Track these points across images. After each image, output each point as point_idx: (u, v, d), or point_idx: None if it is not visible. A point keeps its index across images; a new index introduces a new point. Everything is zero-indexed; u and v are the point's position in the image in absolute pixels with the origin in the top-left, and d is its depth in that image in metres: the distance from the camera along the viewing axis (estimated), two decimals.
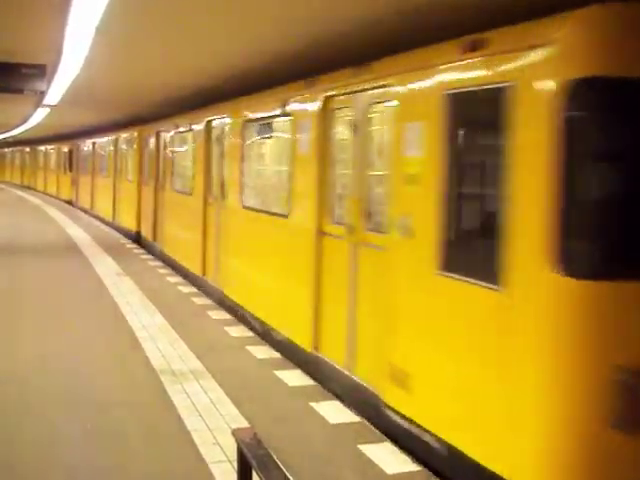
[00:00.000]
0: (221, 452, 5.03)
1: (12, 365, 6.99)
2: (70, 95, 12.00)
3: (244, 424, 5.60)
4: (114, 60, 8.56)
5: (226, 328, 8.74)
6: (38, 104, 14.50)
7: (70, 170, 30.23)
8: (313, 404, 6.13)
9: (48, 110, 16.05)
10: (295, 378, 6.85)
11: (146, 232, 16.92)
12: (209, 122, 11.44)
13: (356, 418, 5.88)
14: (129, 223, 18.54)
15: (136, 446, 5.19)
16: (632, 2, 3.83)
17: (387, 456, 5.16)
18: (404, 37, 5.68)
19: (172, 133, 14.37)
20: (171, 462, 4.94)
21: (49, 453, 4.99)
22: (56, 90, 11.32)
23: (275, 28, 6.15)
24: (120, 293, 10.67)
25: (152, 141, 16.47)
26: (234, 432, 2.90)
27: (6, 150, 52.82)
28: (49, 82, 10.06)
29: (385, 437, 5.49)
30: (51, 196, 34.85)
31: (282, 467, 2.45)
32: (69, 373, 6.77)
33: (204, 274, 11.41)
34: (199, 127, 11.98)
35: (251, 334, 8.53)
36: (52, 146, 35.52)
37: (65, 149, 31.60)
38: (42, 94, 11.07)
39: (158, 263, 14.21)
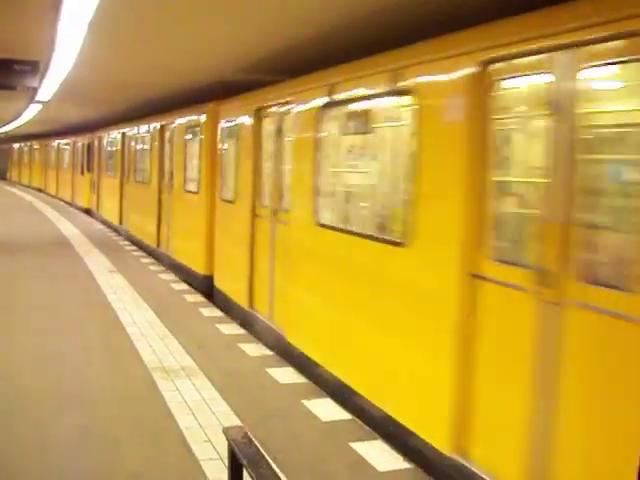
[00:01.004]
0: (213, 449, 5.03)
1: (3, 361, 6.97)
2: (63, 91, 11.96)
3: (236, 421, 5.61)
4: (107, 56, 8.54)
5: (218, 325, 8.73)
6: (31, 100, 14.45)
7: (89, 170, 23.83)
8: (305, 401, 6.14)
9: (40, 106, 15.98)
10: (287, 375, 6.86)
11: (227, 283, 10.07)
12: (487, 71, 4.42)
13: (348, 415, 5.89)
14: (190, 258, 11.78)
15: (127, 443, 5.18)
16: None
17: (378, 453, 5.17)
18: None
19: (306, 107, 7.10)
20: (162, 460, 4.94)
21: (40, 450, 4.97)
22: (49, 86, 11.28)
23: (270, 25, 6.15)
24: (112, 290, 10.65)
25: (243, 126, 9.30)
26: (225, 431, 2.91)
27: (14, 146, 46.11)
28: (41, 78, 10.02)
29: (377, 435, 5.51)
30: (64, 202, 28.98)
31: (273, 465, 2.45)
32: (60, 369, 6.76)
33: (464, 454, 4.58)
34: (437, 79, 4.96)
35: (243, 331, 8.52)
36: (66, 140, 29.05)
37: (81, 144, 25.46)
38: (34, 90, 11.06)
39: (151, 260, 14.16)
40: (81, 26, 6.37)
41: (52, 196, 32.28)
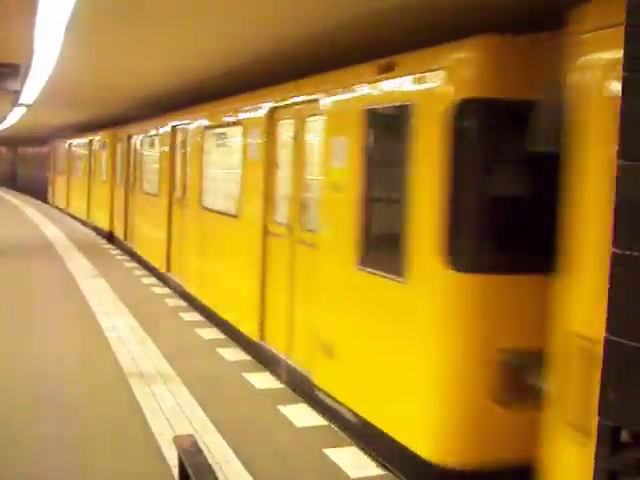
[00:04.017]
0: None
1: None
2: (46, 94, 11.90)
3: (210, 427, 5.59)
4: (87, 59, 8.50)
5: (197, 330, 8.71)
6: (14, 103, 14.36)
7: None
8: (280, 407, 6.12)
9: (24, 109, 15.88)
10: (263, 381, 6.85)
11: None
12: None
13: (323, 422, 5.88)
14: None
15: (101, 449, 5.15)
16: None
17: (352, 460, 5.16)
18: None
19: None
20: (135, 466, 4.92)
21: (13, 455, 4.95)
22: (31, 89, 11.22)
23: (246, 28, 6.15)
24: (94, 293, 10.61)
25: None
26: (175, 439, 2.91)
27: (61, 147, 27.18)
28: (23, 81, 9.98)
29: (351, 442, 5.51)
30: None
31: (217, 476, 2.43)
32: (36, 374, 6.72)
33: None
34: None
35: (222, 336, 8.50)
36: (191, 119, 10.98)
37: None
38: (16, 93, 11.01)
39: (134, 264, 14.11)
40: (59, 30, 6.34)
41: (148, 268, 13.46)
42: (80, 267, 13.18)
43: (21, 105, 14.73)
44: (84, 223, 21.56)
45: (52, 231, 19.67)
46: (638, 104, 2.10)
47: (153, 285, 11.77)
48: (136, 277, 12.58)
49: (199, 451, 2.43)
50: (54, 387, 6.42)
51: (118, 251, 16.23)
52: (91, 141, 21.14)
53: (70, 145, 25.33)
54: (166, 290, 11.32)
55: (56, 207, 27.98)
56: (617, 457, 2.06)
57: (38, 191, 34.10)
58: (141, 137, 14.98)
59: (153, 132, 13.78)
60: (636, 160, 2.06)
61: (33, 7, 5.63)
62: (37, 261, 14.10)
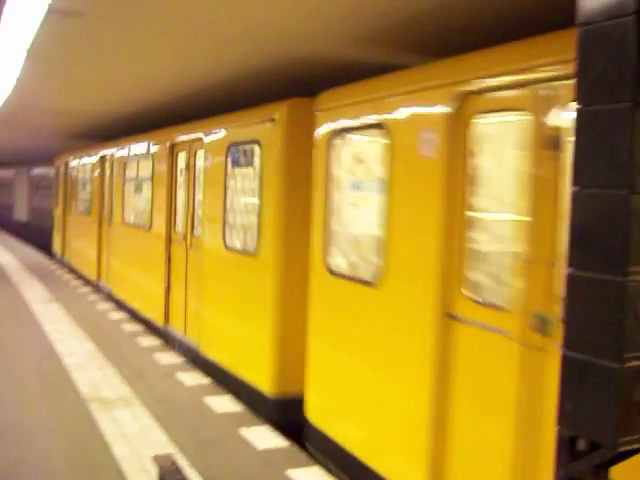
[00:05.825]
0: (149, 479, 5.01)
1: None
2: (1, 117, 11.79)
3: (173, 451, 5.59)
4: (48, 84, 8.50)
5: (155, 355, 8.68)
6: None
7: None
8: (242, 430, 6.16)
9: None
10: (224, 404, 6.87)
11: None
12: None
13: (285, 443, 5.93)
14: None
15: (62, 476, 5.11)
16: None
17: None
18: None
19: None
20: None
21: None
22: None
23: (205, 54, 6.28)
24: (49, 320, 10.48)
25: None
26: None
27: (76, 167, 16.76)
28: None
29: (313, 462, 5.57)
30: None
31: None
32: None
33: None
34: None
35: (180, 361, 8.49)
36: None
37: None
38: None
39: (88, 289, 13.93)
40: (19, 54, 6.36)
41: None
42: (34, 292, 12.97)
43: None
44: (146, 324, 10.47)
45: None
46: (588, 136, 2.26)
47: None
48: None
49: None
50: (13, 414, 6.34)
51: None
52: (170, 148, 9.83)
53: (104, 161, 13.94)
54: (123, 315, 11.24)
55: (75, 273, 16.31)
56: (575, 464, 2.19)
57: None
58: None
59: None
60: (587, 187, 2.22)
61: None
62: None
